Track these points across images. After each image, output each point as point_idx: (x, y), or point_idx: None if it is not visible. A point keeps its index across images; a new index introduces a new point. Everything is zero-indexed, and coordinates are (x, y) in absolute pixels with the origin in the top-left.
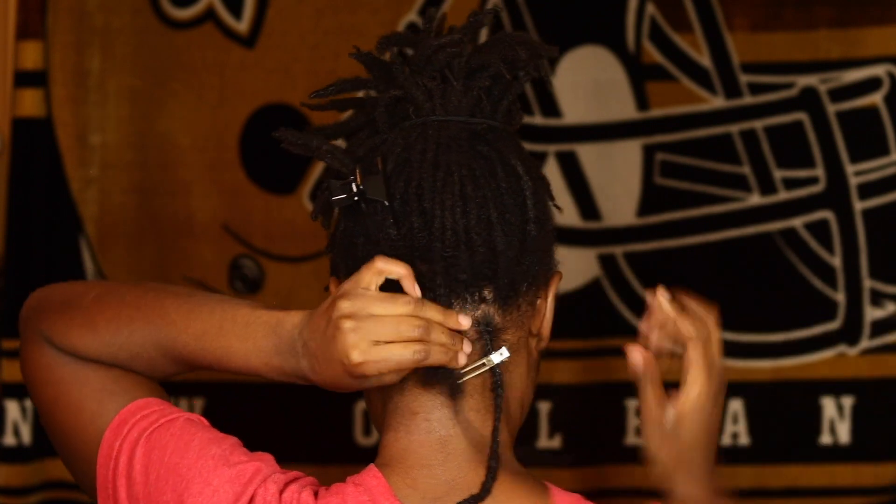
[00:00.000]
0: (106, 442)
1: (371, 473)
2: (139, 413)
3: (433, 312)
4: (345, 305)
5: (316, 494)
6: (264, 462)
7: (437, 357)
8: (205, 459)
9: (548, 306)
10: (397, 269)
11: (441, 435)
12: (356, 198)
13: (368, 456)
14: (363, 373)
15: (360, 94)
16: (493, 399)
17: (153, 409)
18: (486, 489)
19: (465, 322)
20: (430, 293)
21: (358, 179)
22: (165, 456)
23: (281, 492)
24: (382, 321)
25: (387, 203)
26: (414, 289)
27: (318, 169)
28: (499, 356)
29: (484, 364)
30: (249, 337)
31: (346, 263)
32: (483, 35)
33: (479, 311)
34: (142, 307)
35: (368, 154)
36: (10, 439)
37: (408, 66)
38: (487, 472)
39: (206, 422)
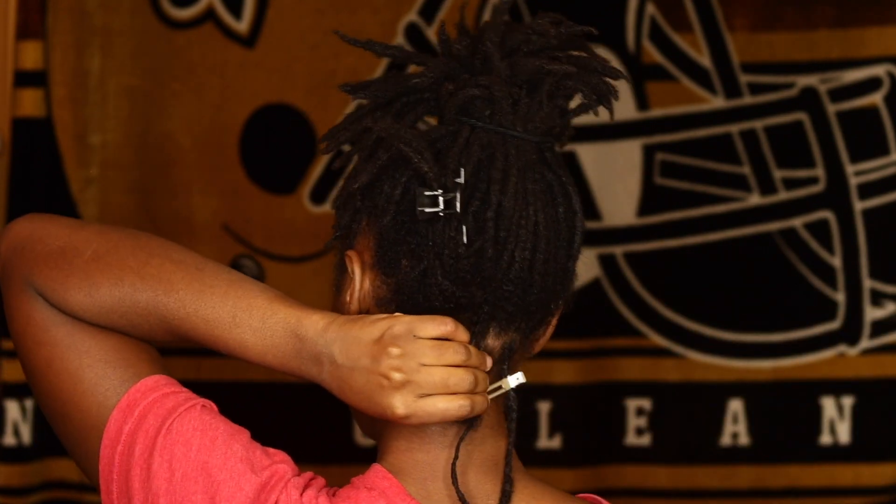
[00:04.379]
0: (113, 423)
1: (380, 475)
2: (150, 395)
3: (479, 360)
4: (395, 353)
5: (333, 495)
6: (287, 464)
7: (479, 409)
8: (233, 462)
9: (552, 324)
10: (464, 337)
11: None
12: (441, 214)
13: (369, 456)
14: (405, 423)
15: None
16: (507, 423)
17: (164, 391)
18: None
19: (490, 364)
20: (472, 314)
21: (447, 196)
22: (191, 453)
23: (301, 496)
24: (432, 373)
25: (464, 227)
26: (485, 361)
27: (318, 169)
28: (515, 380)
29: (500, 387)
30: (266, 335)
31: (383, 250)
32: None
33: (508, 337)
34: (146, 277)
35: (438, 142)
36: (10, 439)
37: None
38: (501, 496)
39: (215, 406)
